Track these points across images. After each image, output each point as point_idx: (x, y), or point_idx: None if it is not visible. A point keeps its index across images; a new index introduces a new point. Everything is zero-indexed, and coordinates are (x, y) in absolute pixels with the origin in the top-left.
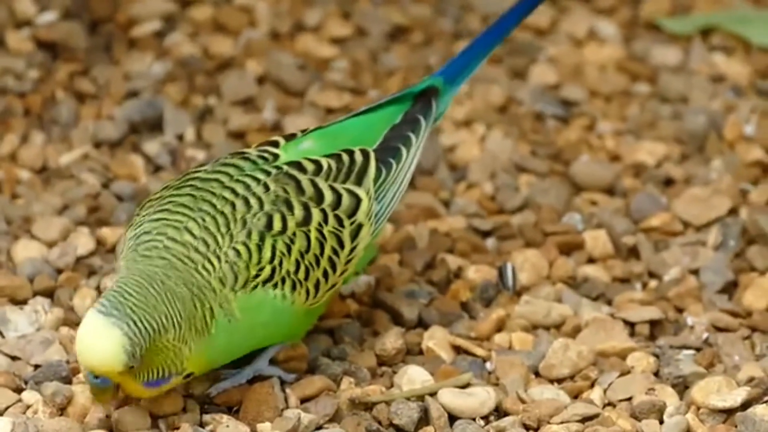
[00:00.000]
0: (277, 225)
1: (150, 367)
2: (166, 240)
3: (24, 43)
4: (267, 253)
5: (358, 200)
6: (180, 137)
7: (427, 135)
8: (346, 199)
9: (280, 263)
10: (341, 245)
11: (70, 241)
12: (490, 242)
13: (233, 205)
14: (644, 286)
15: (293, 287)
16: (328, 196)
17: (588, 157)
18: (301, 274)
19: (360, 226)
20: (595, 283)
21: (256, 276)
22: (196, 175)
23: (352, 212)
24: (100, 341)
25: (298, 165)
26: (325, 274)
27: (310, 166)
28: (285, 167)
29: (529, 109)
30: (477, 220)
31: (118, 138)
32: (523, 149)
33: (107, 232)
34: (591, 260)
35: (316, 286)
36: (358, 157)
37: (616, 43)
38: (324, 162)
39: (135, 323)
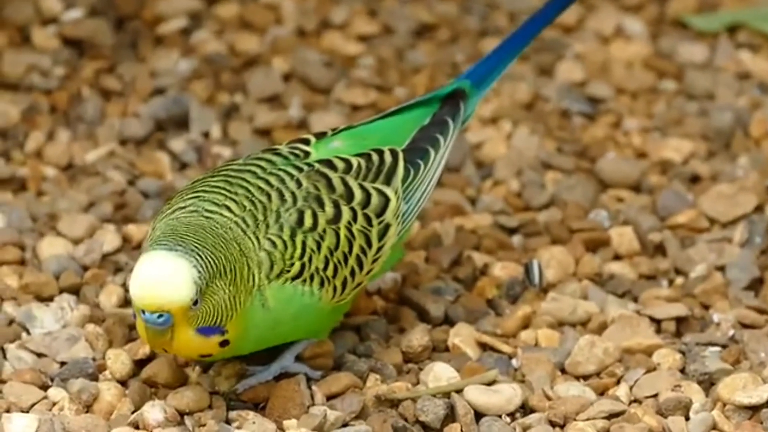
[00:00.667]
0: (307, 221)
1: (205, 310)
2: (204, 211)
3: (50, 40)
4: (297, 249)
5: (386, 200)
6: (206, 134)
7: (455, 137)
8: (375, 199)
9: (310, 259)
10: (369, 244)
11: (96, 238)
12: (517, 239)
13: (269, 196)
14: (670, 282)
15: (321, 284)
16: (358, 195)
17: (614, 154)
18: (330, 272)
19: (388, 226)
20: (621, 279)
21: (287, 271)
22: (229, 167)
23: (381, 212)
24: (169, 273)
25: (328, 163)
26: (353, 273)
27: (340, 165)
28: (316, 164)
29: (555, 106)
30: (503, 217)
31: (144, 135)
32: (550, 146)
33: (133, 229)
34: (617, 257)
35: (343, 284)
36: (388, 157)
37: (643, 41)
38: (354, 161)
39: (200, 257)
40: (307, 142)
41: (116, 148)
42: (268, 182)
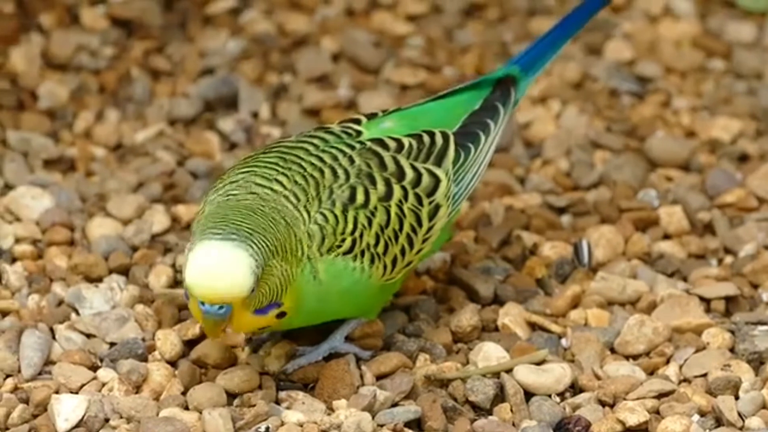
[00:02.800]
0: (359, 198)
1: (262, 293)
2: (254, 185)
3: (99, 21)
4: (349, 225)
5: (437, 180)
6: (255, 114)
7: (505, 123)
8: (426, 179)
9: (361, 235)
10: (419, 223)
11: (145, 218)
12: (566, 219)
13: (322, 172)
14: (719, 262)
15: (372, 261)
16: (409, 174)
17: (663, 133)
18: (380, 248)
19: (438, 207)
20: (670, 259)
21: (339, 246)
22: (281, 143)
23: (431, 192)
24: (228, 266)
25: (380, 142)
26: (402, 251)
27: (392, 144)
28: (368, 143)
29: (604, 86)
30: (552, 196)
31: (193, 115)
32: (599, 125)
33: (182, 210)
34: (666, 236)
35: (393, 262)
36: (439, 139)
37: (691, 19)
38: (405, 141)
39: (255, 243)
40: (358, 122)
41: (165, 128)
42: (321, 159)
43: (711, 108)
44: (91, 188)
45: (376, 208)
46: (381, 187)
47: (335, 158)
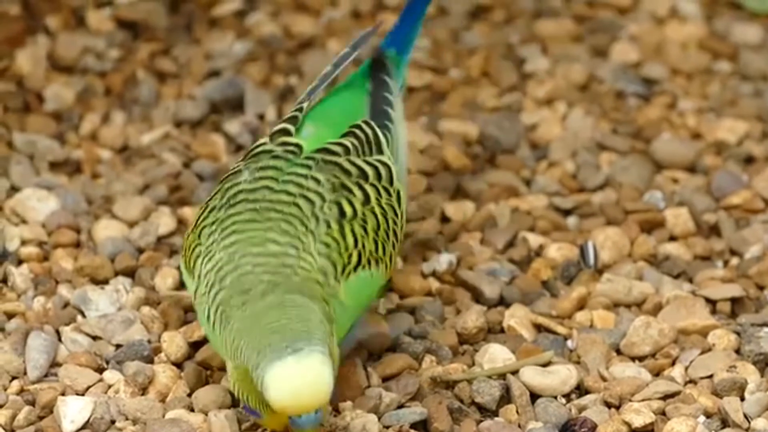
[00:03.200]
0: (348, 210)
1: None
2: (252, 257)
3: (105, 23)
4: (349, 240)
5: (389, 168)
6: (261, 117)
7: (401, 94)
8: (382, 170)
9: (363, 246)
10: (396, 214)
11: (151, 220)
12: (572, 220)
13: (297, 206)
14: (725, 263)
15: (377, 264)
16: (369, 171)
17: (669, 135)
18: (380, 251)
19: (399, 192)
20: (676, 260)
21: (348, 263)
22: (239, 188)
23: (390, 180)
24: (313, 377)
25: (327, 151)
26: (393, 246)
27: (338, 149)
28: (317, 156)
29: (610, 88)
30: (558, 198)
31: (199, 117)
32: (605, 127)
33: (188, 212)
34: (672, 238)
35: (390, 258)
36: (368, 129)
37: (698, 21)
38: (346, 142)
39: (316, 337)
40: (288, 132)
41: (171, 130)
42: (288, 193)
43: (717, 110)
44: (97, 190)
45: (364, 214)
46: (357, 192)
47: (300, 185)
